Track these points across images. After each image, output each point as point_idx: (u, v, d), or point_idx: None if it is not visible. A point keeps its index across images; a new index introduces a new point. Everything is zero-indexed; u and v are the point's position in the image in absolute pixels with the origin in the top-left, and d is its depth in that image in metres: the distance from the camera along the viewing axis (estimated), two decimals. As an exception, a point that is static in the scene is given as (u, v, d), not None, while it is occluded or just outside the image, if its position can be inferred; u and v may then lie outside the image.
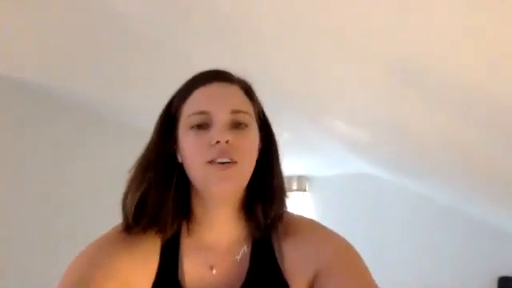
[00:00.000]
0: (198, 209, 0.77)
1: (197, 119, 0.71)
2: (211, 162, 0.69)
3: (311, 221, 0.86)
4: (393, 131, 2.16)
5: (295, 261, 0.77)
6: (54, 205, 2.69)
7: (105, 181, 2.47)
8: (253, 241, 0.79)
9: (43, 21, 1.72)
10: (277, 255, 0.78)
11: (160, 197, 0.72)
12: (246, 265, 0.76)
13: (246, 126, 0.73)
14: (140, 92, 2.44)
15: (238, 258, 0.77)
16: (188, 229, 0.77)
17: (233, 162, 0.69)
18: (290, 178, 4.77)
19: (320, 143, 3.35)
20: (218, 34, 1.55)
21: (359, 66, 1.43)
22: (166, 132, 0.76)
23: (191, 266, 0.75)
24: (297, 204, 4.66)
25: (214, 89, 0.74)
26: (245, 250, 0.78)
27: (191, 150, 0.71)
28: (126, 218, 0.73)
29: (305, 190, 4.70)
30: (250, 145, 0.74)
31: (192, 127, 0.72)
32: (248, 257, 0.77)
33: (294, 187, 4.72)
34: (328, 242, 0.79)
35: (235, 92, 0.76)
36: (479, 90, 1.20)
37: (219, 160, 0.69)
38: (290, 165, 4.36)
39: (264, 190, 0.78)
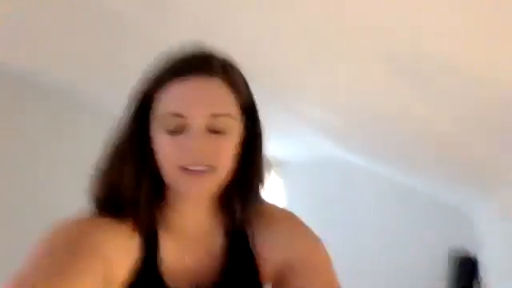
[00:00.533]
0: (171, 196, 0.75)
1: (171, 122, 0.66)
2: (184, 167, 0.67)
3: (287, 212, 0.86)
4: (365, 116, 2.18)
5: (268, 249, 0.78)
6: (28, 192, 2.62)
7: (82, 167, 2.41)
8: (228, 230, 0.79)
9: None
10: (251, 245, 0.78)
11: (134, 183, 0.70)
12: (220, 254, 0.76)
13: (225, 131, 0.68)
14: (116, 79, 2.36)
15: (214, 247, 0.77)
16: (163, 216, 0.75)
17: (207, 170, 0.67)
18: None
19: (291, 128, 3.37)
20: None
21: (333, 45, 1.42)
22: (138, 117, 0.71)
23: (167, 253, 0.73)
24: (270, 189, 4.68)
25: (191, 86, 0.67)
26: (220, 239, 0.78)
27: (164, 153, 0.68)
28: (99, 204, 0.71)
29: (277, 176, 4.77)
30: (226, 152, 0.70)
31: (166, 130, 0.67)
32: (223, 246, 0.77)
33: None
34: (301, 237, 0.80)
35: (215, 90, 0.68)
36: (455, 76, 1.22)
37: (192, 168, 0.67)
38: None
39: (244, 184, 0.76)
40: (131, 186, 0.70)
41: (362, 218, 4.27)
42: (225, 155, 0.69)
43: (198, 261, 0.75)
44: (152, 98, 0.69)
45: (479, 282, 3.37)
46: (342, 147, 3.53)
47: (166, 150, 0.67)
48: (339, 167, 4.41)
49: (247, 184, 0.76)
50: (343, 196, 4.40)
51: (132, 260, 0.70)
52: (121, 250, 0.68)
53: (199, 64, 0.69)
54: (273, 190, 4.71)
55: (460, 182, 2.44)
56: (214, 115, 0.67)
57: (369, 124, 2.30)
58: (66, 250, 0.62)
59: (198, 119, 0.66)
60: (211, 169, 0.67)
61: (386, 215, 4.17)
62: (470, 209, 3.31)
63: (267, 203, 0.84)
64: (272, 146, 3.06)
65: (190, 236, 0.76)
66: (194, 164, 0.66)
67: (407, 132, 2.07)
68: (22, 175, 2.59)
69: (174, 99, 0.67)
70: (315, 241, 0.80)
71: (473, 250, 3.61)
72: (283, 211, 0.86)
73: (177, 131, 0.66)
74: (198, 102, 0.66)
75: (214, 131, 0.67)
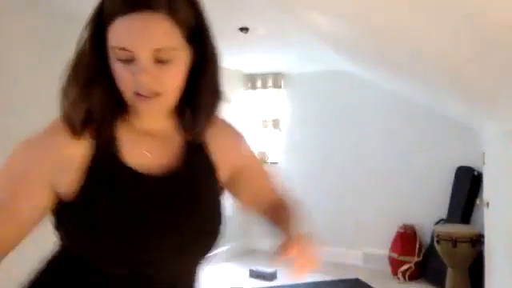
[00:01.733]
0: (132, 108, 0.82)
1: (120, 55, 0.73)
2: (136, 92, 0.75)
3: (235, 127, 1.01)
4: (369, 25, 2.04)
5: (221, 152, 0.92)
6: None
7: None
8: (186, 136, 0.88)
9: None
10: (207, 145, 0.90)
11: (95, 95, 0.77)
12: (179, 152, 0.87)
13: (170, 61, 0.74)
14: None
15: (173, 147, 0.87)
16: (124, 117, 0.83)
17: (156, 95, 0.75)
18: (265, 75, 4.71)
19: (296, 39, 3.24)
20: None
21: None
22: (97, 38, 0.76)
23: (128, 148, 0.82)
24: (272, 101, 4.68)
25: (133, 23, 0.71)
26: (180, 142, 0.88)
27: (118, 79, 0.76)
28: (68, 121, 0.77)
29: (280, 87, 4.70)
30: (173, 78, 0.77)
31: (118, 59, 0.74)
32: (183, 148, 0.87)
33: (270, 84, 4.69)
34: (245, 145, 1.03)
35: (158, 24, 0.72)
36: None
37: (142, 93, 0.75)
38: (265, 62, 4.29)
39: (195, 100, 0.84)
40: (93, 98, 0.77)
41: (367, 129, 4.25)
42: (170, 82, 0.77)
43: (160, 156, 0.85)
44: (104, 29, 0.74)
45: (481, 197, 3.42)
46: (348, 59, 3.39)
47: (120, 76, 0.75)
48: (345, 79, 4.29)
49: (198, 101, 0.84)
50: (347, 108, 4.37)
51: (91, 151, 0.79)
52: (78, 144, 0.78)
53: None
54: (277, 102, 4.68)
55: (467, 100, 2.35)
56: (158, 50, 0.72)
57: (374, 34, 2.17)
58: (16, 165, 0.78)
59: (142, 53, 0.72)
60: (158, 94, 0.76)
61: (391, 129, 4.13)
62: (477, 127, 3.24)
63: (221, 119, 0.94)
64: (277, 58, 2.97)
65: (153, 135, 0.85)
66: (143, 91, 0.75)
67: (408, 48, 1.94)
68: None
69: (120, 34, 0.72)
70: (254, 152, 1.07)
71: (478, 167, 3.63)
72: (233, 127, 1.01)
73: (128, 60, 0.73)
74: (141, 37, 0.72)
75: (160, 61, 0.73)
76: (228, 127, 0.99)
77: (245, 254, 4.63)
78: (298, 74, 4.64)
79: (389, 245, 3.97)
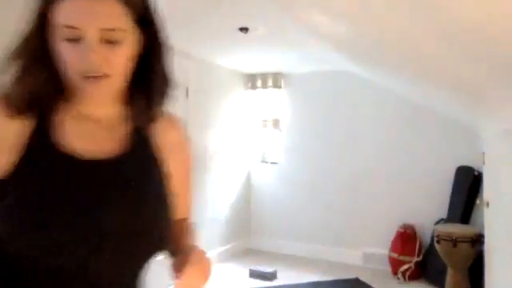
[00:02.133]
0: (77, 93, 0.80)
1: (67, 33, 0.72)
2: (83, 74, 0.74)
3: (183, 128, 0.98)
4: (371, 24, 2.04)
5: (165, 150, 0.88)
6: None
7: None
8: (133, 124, 0.86)
9: None
10: (154, 137, 0.87)
11: (37, 76, 0.76)
12: (123, 140, 0.84)
13: (118, 42, 0.74)
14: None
15: (117, 134, 0.84)
16: (66, 101, 0.81)
17: (104, 76, 0.75)
18: (265, 75, 4.71)
19: (296, 39, 3.23)
20: None
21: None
22: (39, 24, 0.76)
23: (67, 132, 0.79)
24: (272, 101, 4.68)
25: (82, 1, 0.72)
26: (125, 130, 0.85)
27: (64, 60, 0.74)
28: (7, 101, 0.76)
29: (280, 87, 4.69)
30: (121, 60, 0.76)
31: (64, 39, 0.73)
32: (127, 134, 0.84)
33: (270, 84, 4.69)
34: (186, 146, 0.97)
35: (107, 5, 0.73)
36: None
37: (89, 74, 0.74)
38: (264, 62, 4.30)
39: (145, 87, 0.83)
40: (33, 80, 0.76)
41: (367, 129, 4.24)
42: (118, 63, 0.76)
43: (102, 141, 0.82)
44: (50, 10, 0.74)
45: (481, 197, 3.43)
46: (349, 59, 3.39)
47: (66, 56, 0.73)
48: (345, 79, 4.30)
49: (149, 87, 0.84)
50: (348, 108, 4.36)
51: (25, 136, 0.77)
52: (16, 126, 0.76)
53: None
54: (277, 101, 4.68)
55: (468, 100, 2.36)
56: (106, 29, 0.73)
57: (374, 34, 2.17)
58: None
59: (90, 32, 0.72)
60: (106, 75, 0.75)
61: (391, 129, 4.12)
62: (478, 127, 3.24)
63: (171, 114, 0.93)
64: (278, 58, 2.95)
65: (94, 121, 0.83)
66: (90, 72, 0.73)
67: (408, 48, 1.95)
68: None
69: (68, 12, 0.72)
70: (191, 166, 0.99)
71: (478, 167, 3.63)
72: (181, 127, 0.97)
73: (75, 39, 0.72)
74: (90, 15, 0.72)
75: (108, 41, 0.73)
76: (177, 127, 0.96)
77: (244, 254, 4.63)
78: (298, 74, 4.64)
79: (389, 245, 3.97)
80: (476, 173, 3.65)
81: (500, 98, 1.71)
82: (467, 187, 3.68)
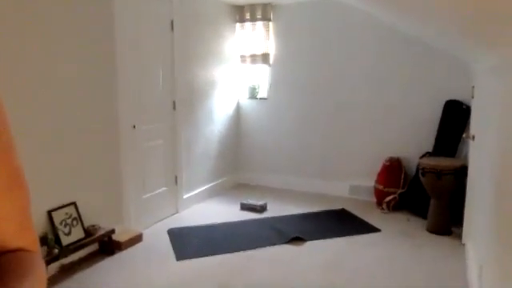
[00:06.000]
0: None
1: None
2: None
3: None
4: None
5: None
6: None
7: None
8: None
9: None
10: None
11: None
12: None
13: None
14: None
15: None
16: None
17: None
18: (254, 6, 4.50)
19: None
20: None
21: None
22: None
23: None
24: (261, 35, 4.53)
25: None
26: None
27: None
28: None
29: (269, 20, 4.51)
30: None
31: None
32: None
33: (259, 16, 4.51)
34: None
35: None
36: None
37: None
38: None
39: None
40: None
41: (356, 63, 4.16)
42: None
43: None
44: None
45: (468, 131, 3.47)
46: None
47: None
48: (336, 9, 4.16)
49: None
50: (335, 37, 4.25)
51: None
52: None
53: None
54: (266, 34, 4.52)
55: (463, 32, 2.29)
56: None
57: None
58: None
59: None
60: None
61: (380, 62, 4.06)
62: (469, 60, 3.19)
63: None
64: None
65: None
66: None
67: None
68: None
69: None
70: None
71: (468, 101, 3.64)
72: None
73: None
74: None
75: None
76: None
77: (234, 188, 4.75)
78: (287, 5, 4.44)
79: (375, 177, 4.09)
80: (464, 106, 3.67)
81: (494, 32, 1.66)
82: (455, 121, 3.72)
